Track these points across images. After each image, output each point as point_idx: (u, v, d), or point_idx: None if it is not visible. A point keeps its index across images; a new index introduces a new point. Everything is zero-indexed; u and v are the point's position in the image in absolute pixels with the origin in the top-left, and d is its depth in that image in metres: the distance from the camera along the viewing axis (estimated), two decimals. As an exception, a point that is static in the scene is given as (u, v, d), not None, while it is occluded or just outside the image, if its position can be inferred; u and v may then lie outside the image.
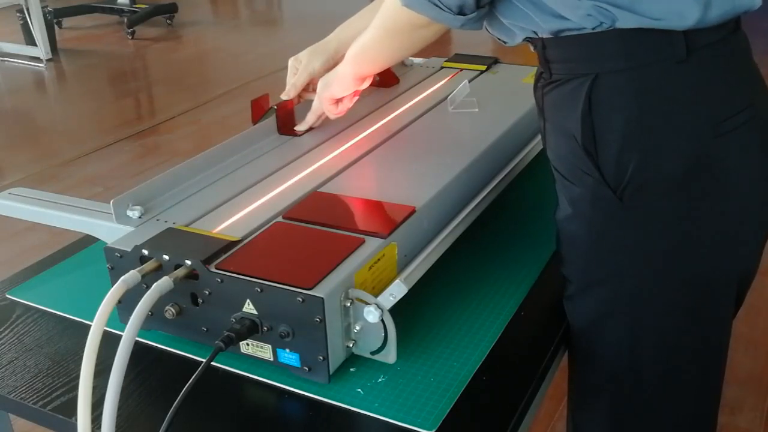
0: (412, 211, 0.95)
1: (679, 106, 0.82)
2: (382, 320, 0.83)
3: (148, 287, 0.80)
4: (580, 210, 0.90)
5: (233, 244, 0.89)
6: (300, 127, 1.23)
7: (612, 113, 0.84)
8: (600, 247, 0.90)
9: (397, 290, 0.84)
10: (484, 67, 1.48)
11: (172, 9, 5.64)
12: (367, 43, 1.04)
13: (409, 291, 0.85)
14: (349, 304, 0.83)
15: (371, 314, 0.82)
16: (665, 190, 0.84)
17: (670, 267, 0.88)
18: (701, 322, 0.92)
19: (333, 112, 1.18)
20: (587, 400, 1.03)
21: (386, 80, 1.42)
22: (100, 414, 0.72)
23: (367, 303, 0.82)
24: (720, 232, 0.87)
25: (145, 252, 0.87)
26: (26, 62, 4.85)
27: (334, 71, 1.14)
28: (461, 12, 0.87)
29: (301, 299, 0.79)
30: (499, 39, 0.95)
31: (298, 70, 1.24)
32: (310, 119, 1.22)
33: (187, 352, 0.90)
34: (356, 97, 1.19)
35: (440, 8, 0.87)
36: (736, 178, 0.85)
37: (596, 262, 0.92)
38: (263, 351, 0.85)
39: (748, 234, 0.91)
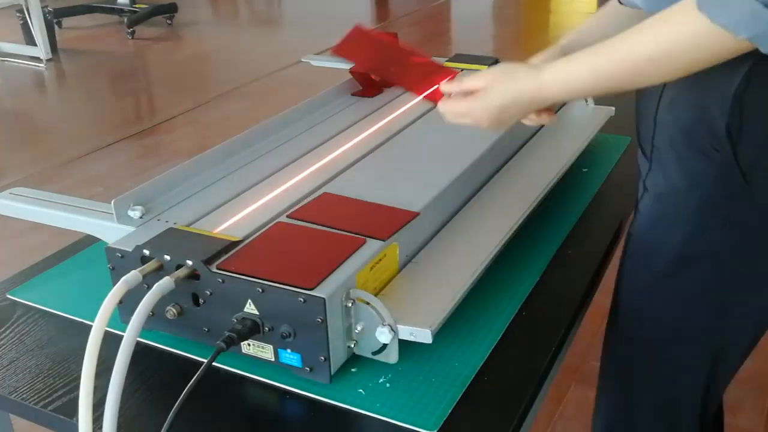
0: (415, 216, 0.94)
1: None
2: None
3: (149, 287, 0.80)
4: (698, 183, 0.86)
5: (234, 244, 0.89)
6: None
7: None
8: (711, 221, 0.88)
9: (420, 335, 0.83)
10: (484, 67, 1.47)
11: (172, 9, 5.64)
12: (648, 53, 0.76)
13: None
14: (350, 305, 0.83)
15: (383, 335, 0.82)
16: None
17: None
18: (752, 310, 0.93)
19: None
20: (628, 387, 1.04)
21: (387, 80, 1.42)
22: (101, 414, 0.72)
23: (383, 323, 0.82)
24: None
25: (146, 252, 0.87)
26: (26, 62, 4.85)
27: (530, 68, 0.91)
28: None
29: (302, 299, 0.79)
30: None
31: None
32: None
33: (189, 353, 0.90)
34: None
35: None
36: None
37: (702, 235, 0.89)
38: (264, 351, 0.85)
39: None
